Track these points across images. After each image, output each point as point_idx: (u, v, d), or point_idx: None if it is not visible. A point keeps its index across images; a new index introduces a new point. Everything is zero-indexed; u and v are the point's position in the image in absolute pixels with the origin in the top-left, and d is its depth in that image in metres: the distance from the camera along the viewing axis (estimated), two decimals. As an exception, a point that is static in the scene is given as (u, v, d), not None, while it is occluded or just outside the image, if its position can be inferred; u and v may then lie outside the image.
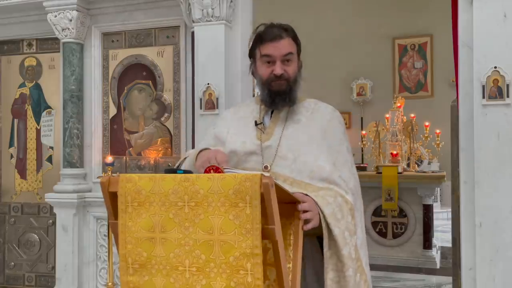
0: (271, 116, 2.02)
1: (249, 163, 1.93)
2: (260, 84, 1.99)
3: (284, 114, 2.00)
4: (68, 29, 3.96)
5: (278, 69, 1.91)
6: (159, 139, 3.95)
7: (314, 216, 1.70)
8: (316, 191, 1.79)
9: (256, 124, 1.99)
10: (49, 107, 4.35)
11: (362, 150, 7.94)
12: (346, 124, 9.09)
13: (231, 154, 1.95)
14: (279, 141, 1.93)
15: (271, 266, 1.60)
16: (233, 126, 2.06)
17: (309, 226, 1.69)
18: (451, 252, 3.65)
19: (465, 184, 2.88)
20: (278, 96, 1.94)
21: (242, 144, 1.96)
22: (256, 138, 1.97)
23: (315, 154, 1.88)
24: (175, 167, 2.03)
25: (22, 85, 4.44)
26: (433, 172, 5.88)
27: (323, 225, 1.72)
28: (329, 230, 1.74)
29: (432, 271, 5.39)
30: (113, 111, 4.08)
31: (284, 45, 1.91)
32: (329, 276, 1.76)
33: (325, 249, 1.75)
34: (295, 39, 1.97)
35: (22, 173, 4.43)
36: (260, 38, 1.94)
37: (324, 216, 1.72)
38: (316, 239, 1.87)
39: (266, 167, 1.90)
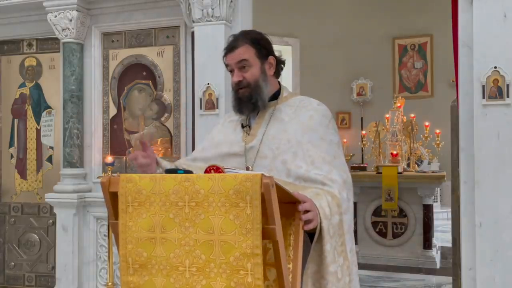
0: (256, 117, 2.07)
1: (233, 164, 1.98)
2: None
3: (268, 115, 2.05)
4: (68, 29, 3.96)
5: (234, 77, 2.03)
6: (159, 139, 3.95)
7: (315, 216, 1.70)
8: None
9: (242, 126, 2.07)
10: (49, 107, 4.35)
11: (362, 150, 7.94)
12: (346, 124, 9.20)
13: (218, 157, 2.05)
14: (261, 141, 1.98)
15: (271, 266, 1.60)
16: (224, 130, 2.16)
17: (310, 226, 1.69)
18: (451, 252, 3.65)
19: (465, 184, 2.88)
20: (243, 103, 2.02)
21: (229, 146, 2.06)
22: (241, 140, 2.04)
23: (293, 152, 1.92)
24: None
25: (22, 85, 4.44)
26: (433, 172, 5.87)
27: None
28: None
29: (432, 271, 5.39)
30: (113, 111, 4.08)
31: (238, 53, 2.00)
32: (313, 248, 1.78)
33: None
34: (255, 43, 2.02)
35: (22, 173, 4.43)
36: (224, 50, 2.06)
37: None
38: None
39: (247, 168, 1.95)
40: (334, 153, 1.96)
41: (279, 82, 2.14)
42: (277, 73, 2.12)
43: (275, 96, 2.08)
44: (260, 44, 2.03)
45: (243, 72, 2.00)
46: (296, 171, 1.88)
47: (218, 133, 2.18)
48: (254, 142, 2.00)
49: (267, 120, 2.03)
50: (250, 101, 2.00)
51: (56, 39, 4.13)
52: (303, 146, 1.92)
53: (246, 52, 2.00)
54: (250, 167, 1.95)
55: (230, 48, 2.02)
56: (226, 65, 2.06)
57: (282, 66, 2.12)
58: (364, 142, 7.43)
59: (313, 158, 1.90)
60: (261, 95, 2.01)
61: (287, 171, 1.89)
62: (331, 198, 1.81)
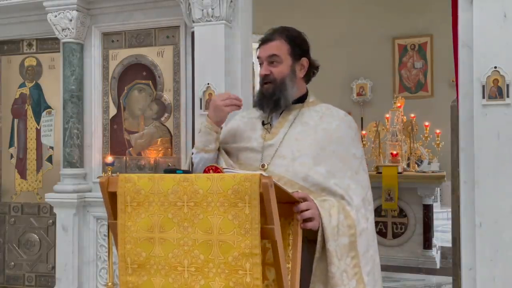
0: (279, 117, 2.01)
1: (249, 160, 1.94)
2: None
3: (292, 117, 1.98)
4: (68, 29, 3.96)
5: (262, 70, 1.95)
6: (159, 139, 3.95)
7: (315, 215, 1.69)
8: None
9: (263, 124, 2.01)
10: (49, 107, 4.35)
11: (362, 150, 7.92)
12: (346, 124, 9.19)
13: (236, 150, 2.00)
14: (281, 141, 1.92)
15: (271, 266, 1.60)
16: (243, 126, 2.08)
17: (309, 225, 1.68)
18: (451, 252, 3.64)
19: (465, 184, 2.88)
20: (265, 98, 1.96)
21: (247, 141, 2.00)
22: (260, 137, 1.98)
23: (314, 157, 1.85)
24: (187, 165, 2.07)
25: (22, 85, 4.44)
26: (433, 172, 5.88)
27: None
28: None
29: (432, 271, 5.39)
30: (113, 111, 4.08)
31: (271, 47, 1.94)
32: (318, 267, 1.76)
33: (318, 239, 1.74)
34: (291, 40, 1.96)
35: (22, 173, 4.43)
36: (259, 41, 2.00)
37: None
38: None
39: (263, 166, 1.90)
40: (357, 168, 1.91)
41: (306, 88, 2.08)
42: (308, 78, 2.06)
43: (301, 100, 2.02)
44: (295, 42, 1.97)
45: (271, 67, 1.94)
46: (314, 177, 1.82)
47: (237, 126, 2.09)
48: (274, 141, 1.93)
49: (291, 121, 1.97)
50: (272, 98, 1.93)
51: (56, 39, 4.12)
52: (326, 154, 1.87)
53: (279, 47, 1.94)
54: (266, 165, 1.88)
55: (264, 40, 1.97)
56: (258, 57, 1.99)
57: (315, 71, 2.07)
58: (364, 142, 7.41)
59: (334, 169, 1.85)
60: (285, 94, 1.93)
61: (304, 175, 1.83)
62: (343, 217, 1.76)
